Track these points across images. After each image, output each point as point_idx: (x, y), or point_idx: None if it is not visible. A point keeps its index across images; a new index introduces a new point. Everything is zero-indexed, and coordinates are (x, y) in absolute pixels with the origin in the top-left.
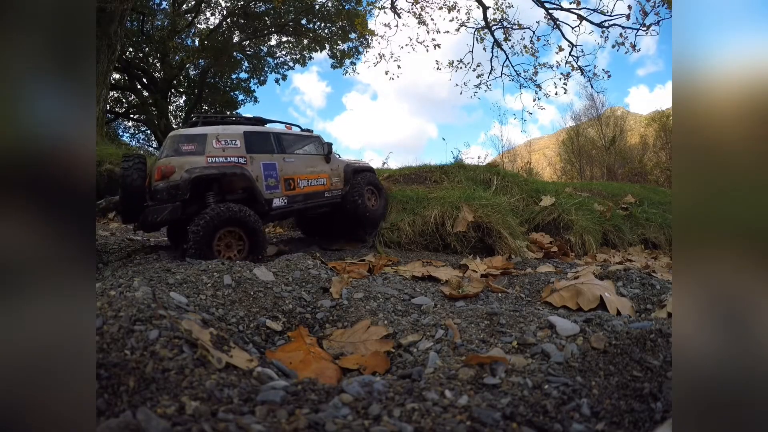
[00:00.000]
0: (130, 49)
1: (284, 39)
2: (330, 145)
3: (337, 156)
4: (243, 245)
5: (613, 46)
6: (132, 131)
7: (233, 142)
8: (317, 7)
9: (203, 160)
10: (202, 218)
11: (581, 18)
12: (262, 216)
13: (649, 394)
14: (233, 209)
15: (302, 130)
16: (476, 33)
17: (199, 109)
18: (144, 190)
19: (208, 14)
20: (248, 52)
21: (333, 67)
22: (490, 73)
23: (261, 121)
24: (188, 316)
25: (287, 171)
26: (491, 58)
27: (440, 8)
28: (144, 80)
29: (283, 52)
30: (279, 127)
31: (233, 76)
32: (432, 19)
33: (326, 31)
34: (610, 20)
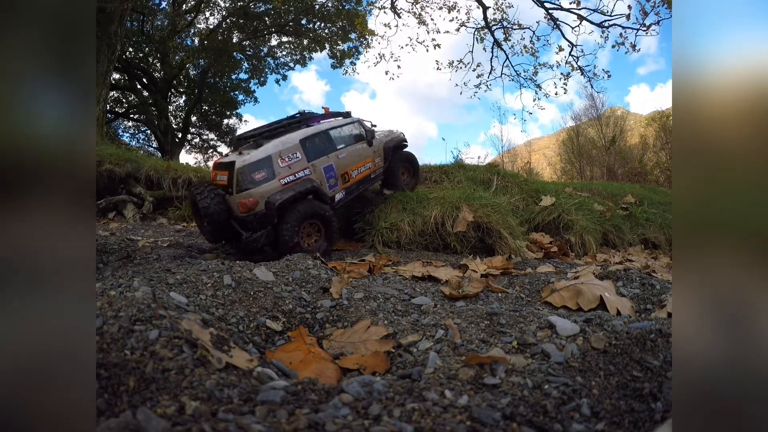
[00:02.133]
0: (130, 49)
1: (284, 39)
2: (373, 131)
3: (372, 126)
4: (320, 234)
5: (613, 46)
6: (132, 131)
7: (294, 155)
8: (317, 7)
9: (278, 185)
10: (292, 217)
11: (581, 18)
12: None
13: (649, 394)
14: (314, 206)
15: (342, 114)
16: (476, 33)
17: (200, 109)
18: (226, 217)
19: (207, 14)
20: (248, 53)
21: (333, 67)
22: (490, 73)
23: (303, 116)
24: (188, 316)
25: (342, 166)
26: (491, 58)
27: (440, 8)
28: (144, 80)
29: (284, 53)
30: (325, 122)
31: (233, 77)
32: (432, 19)
33: (326, 31)
34: (610, 20)
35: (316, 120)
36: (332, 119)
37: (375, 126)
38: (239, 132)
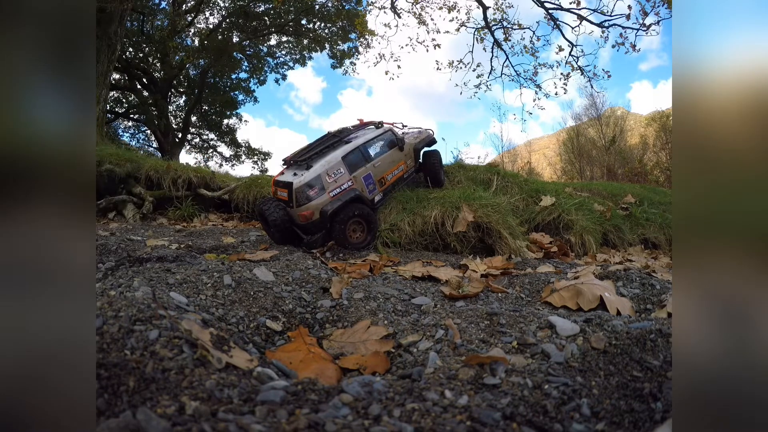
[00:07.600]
0: (130, 49)
1: (284, 39)
2: (403, 139)
3: (402, 127)
4: (363, 229)
5: (613, 46)
6: (132, 131)
7: (339, 171)
8: (317, 7)
9: (327, 198)
10: (341, 219)
11: (581, 18)
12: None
13: (649, 394)
14: (359, 208)
15: (374, 123)
16: (476, 33)
17: (200, 109)
18: (289, 225)
19: (207, 14)
20: (248, 52)
21: (333, 67)
22: (490, 73)
23: (342, 132)
24: (188, 316)
25: (378, 173)
26: (491, 58)
27: (440, 8)
28: (144, 80)
29: (283, 52)
30: (361, 135)
31: (233, 76)
32: (432, 19)
33: (326, 31)
34: (610, 20)
35: (352, 132)
36: (367, 130)
37: (405, 125)
38: (287, 155)
